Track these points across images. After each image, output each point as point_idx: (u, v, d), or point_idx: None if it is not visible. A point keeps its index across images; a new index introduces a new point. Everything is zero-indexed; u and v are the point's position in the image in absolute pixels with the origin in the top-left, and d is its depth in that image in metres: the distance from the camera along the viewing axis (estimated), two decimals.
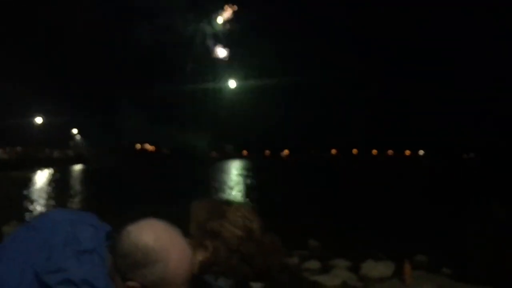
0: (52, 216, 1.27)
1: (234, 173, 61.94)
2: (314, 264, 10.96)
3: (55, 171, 59.84)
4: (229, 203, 1.59)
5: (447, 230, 14.43)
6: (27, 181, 41.15)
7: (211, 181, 44.51)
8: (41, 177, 48.68)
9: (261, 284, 5.71)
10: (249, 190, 34.72)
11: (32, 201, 24.89)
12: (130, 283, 1.15)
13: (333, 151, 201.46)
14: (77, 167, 79.02)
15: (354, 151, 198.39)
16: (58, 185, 38.34)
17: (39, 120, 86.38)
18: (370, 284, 9.83)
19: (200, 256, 1.45)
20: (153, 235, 1.18)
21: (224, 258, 1.44)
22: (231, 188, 36.27)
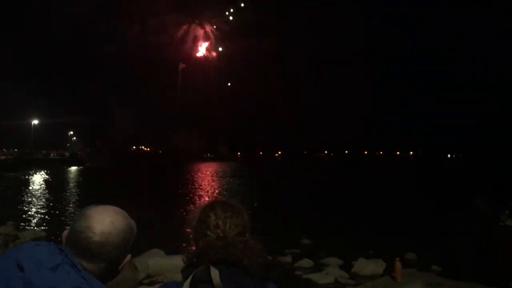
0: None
1: (228, 174, 62.01)
2: (306, 262, 11.13)
3: (52, 172, 59.81)
4: (213, 204, 1.83)
5: (436, 228, 14.65)
6: (24, 182, 41.18)
7: (205, 182, 44.62)
8: (38, 178, 48.67)
9: None
10: (242, 191, 34.85)
11: (28, 202, 24.96)
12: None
13: (325, 152, 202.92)
14: (73, 168, 78.93)
15: (346, 151, 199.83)
16: (54, 186, 38.38)
17: (35, 121, 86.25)
18: (362, 282, 10.01)
19: (190, 250, 1.74)
20: (121, 213, 1.46)
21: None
22: (226, 190, 36.41)
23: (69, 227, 1.42)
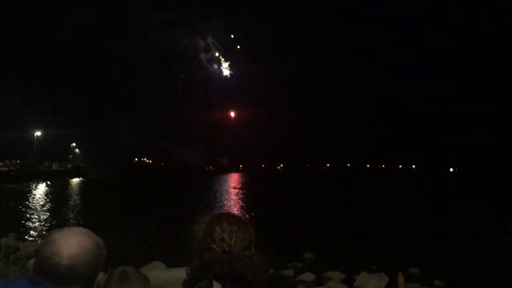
0: None
1: (230, 186, 61.94)
2: (308, 276, 11.04)
3: (54, 184, 59.80)
4: (218, 218, 1.81)
5: (439, 242, 14.55)
6: (26, 194, 41.17)
7: (208, 194, 44.53)
8: (40, 190, 48.66)
9: None
10: (244, 204, 34.76)
11: (30, 214, 24.92)
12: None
13: (327, 165, 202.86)
14: (76, 179, 78.92)
15: (348, 164, 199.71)
16: (56, 197, 38.36)
17: (38, 133, 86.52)
18: None
19: (194, 263, 1.71)
20: (87, 232, 1.43)
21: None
22: (228, 202, 36.32)
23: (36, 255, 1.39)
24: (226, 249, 1.67)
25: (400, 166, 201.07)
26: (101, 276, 1.42)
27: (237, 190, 52.07)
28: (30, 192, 44.92)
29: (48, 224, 20.98)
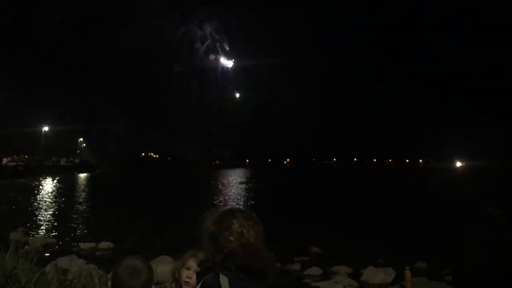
0: None
1: (237, 181, 62.00)
2: (315, 270, 11.05)
3: (62, 179, 60.20)
4: (233, 212, 1.82)
5: (447, 236, 14.53)
6: (34, 189, 41.49)
7: (216, 190, 44.64)
8: (48, 185, 49.01)
9: None
10: (251, 198, 34.80)
11: (38, 209, 25.12)
12: None
13: (334, 159, 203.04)
14: (83, 174, 79.40)
15: (355, 159, 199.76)
16: (64, 192, 38.62)
17: (46, 128, 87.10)
18: None
19: (202, 256, 1.75)
20: None
21: (213, 256, 1.71)
22: (235, 197, 36.38)
23: None
24: (245, 242, 1.70)
25: (407, 161, 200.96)
26: None
27: (243, 185, 52.11)
28: (39, 187, 45.26)
29: (56, 219, 21.11)
